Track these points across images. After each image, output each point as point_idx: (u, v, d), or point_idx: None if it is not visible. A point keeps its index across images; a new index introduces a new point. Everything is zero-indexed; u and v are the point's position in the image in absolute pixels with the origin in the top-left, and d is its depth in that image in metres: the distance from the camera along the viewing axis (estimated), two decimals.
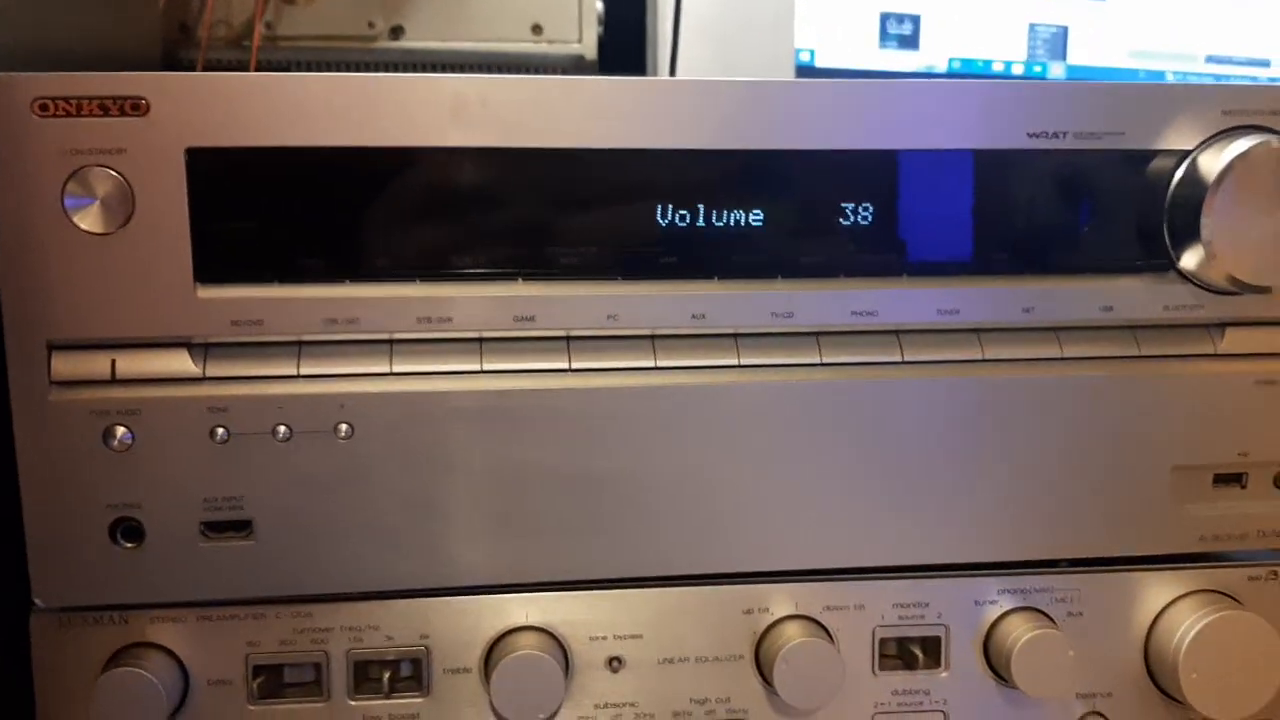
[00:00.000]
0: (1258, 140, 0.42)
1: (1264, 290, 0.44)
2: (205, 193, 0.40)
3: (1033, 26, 0.86)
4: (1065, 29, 0.87)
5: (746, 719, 0.46)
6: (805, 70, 0.82)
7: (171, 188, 0.39)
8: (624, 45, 0.77)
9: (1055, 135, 0.43)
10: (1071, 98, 0.43)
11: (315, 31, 0.67)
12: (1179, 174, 0.43)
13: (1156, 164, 0.44)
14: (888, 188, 0.43)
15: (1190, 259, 0.44)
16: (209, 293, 0.40)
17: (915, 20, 0.84)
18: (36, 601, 0.42)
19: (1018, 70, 0.86)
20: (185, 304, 0.40)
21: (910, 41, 0.84)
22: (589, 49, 0.70)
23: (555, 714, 0.45)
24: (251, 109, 0.39)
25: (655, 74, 0.78)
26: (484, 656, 0.45)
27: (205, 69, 0.64)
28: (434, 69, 0.68)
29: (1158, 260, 0.45)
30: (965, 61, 0.85)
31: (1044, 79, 0.86)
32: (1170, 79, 0.88)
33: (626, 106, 0.41)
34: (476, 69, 0.68)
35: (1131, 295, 0.45)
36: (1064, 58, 0.87)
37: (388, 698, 0.44)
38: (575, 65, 0.69)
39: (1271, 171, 0.42)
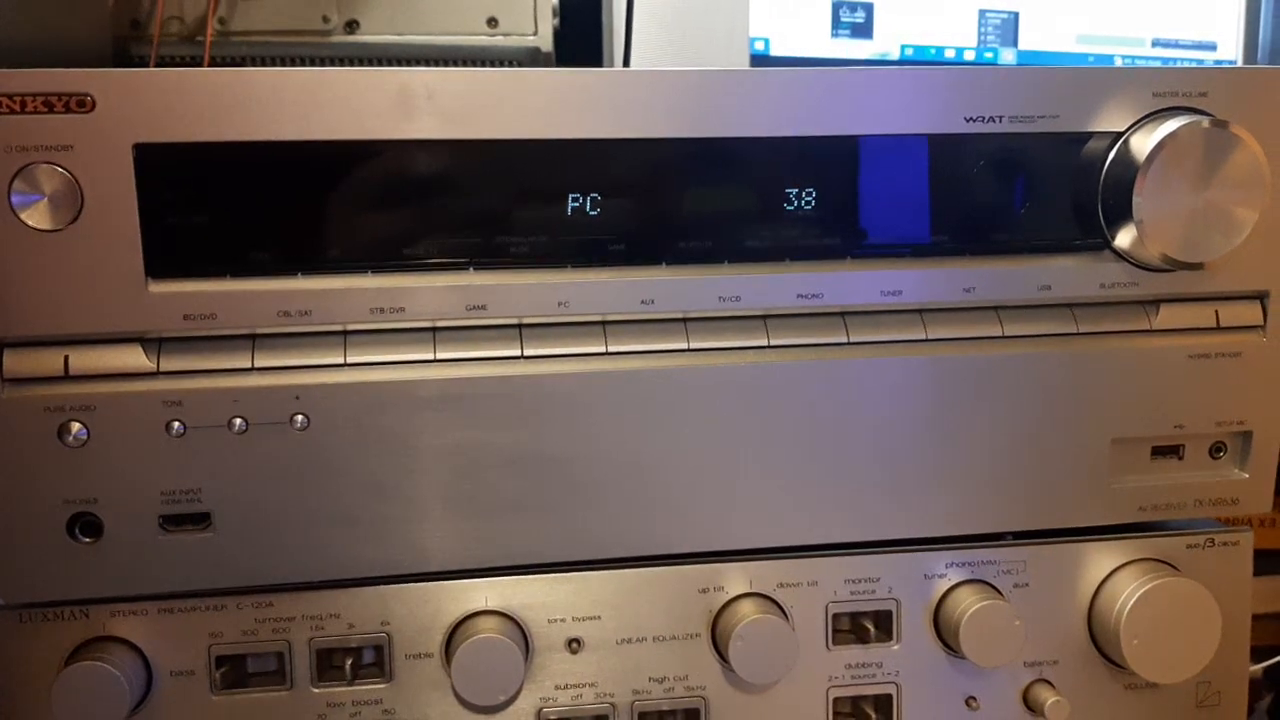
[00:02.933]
0: (1187, 121, 0.43)
1: (1195, 267, 0.46)
2: (154, 188, 0.40)
3: (983, 13, 0.87)
4: (1015, 15, 0.88)
5: (704, 696, 0.47)
6: (760, 59, 0.83)
7: (120, 183, 0.39)
8: (581, 37, 0.77)
9: (992, 119, 0.44)
10: (1007, 82, 0.44)
11: (269, 26, 0.67)
12: (1112, 155, 0.45)
13: (1090, 145, 0.45)
14: (830, 173, 0.44)
15: (1124, 238, 0.45)
16: (161, 287, 0.41)
17: (868, 8, 0.85)
18: None
19: (969, 56, 0.87)
20: (137, 299, 0.40)
21: (863, 30, 0.85)
22: (545, 41, 0.70)
23: (516, 696, 0.45)
24: (199, 104, 0.39)
25: (611, 65, 0.78)
26: (445, 641, 0.45)
27: (158, 65, 0.64)
28: (389, 63, 0.68)
29: (1093, 239, 0.46)
30: (918, 49, 0.86)
31: (995, 65, 0.87)
32: (1119, 63, 0.90)
33: (573, 98, 0.42)
34: (432, 62, 0.68)
35: (1069, 274, 0.46)
36: (1015, 43, 0.88)
37: (351, 685, 0.45)
38: (531, 58, 0.70)
39: (1200, 151, 0.43)
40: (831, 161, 0.44)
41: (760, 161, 0.44)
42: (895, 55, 0.86)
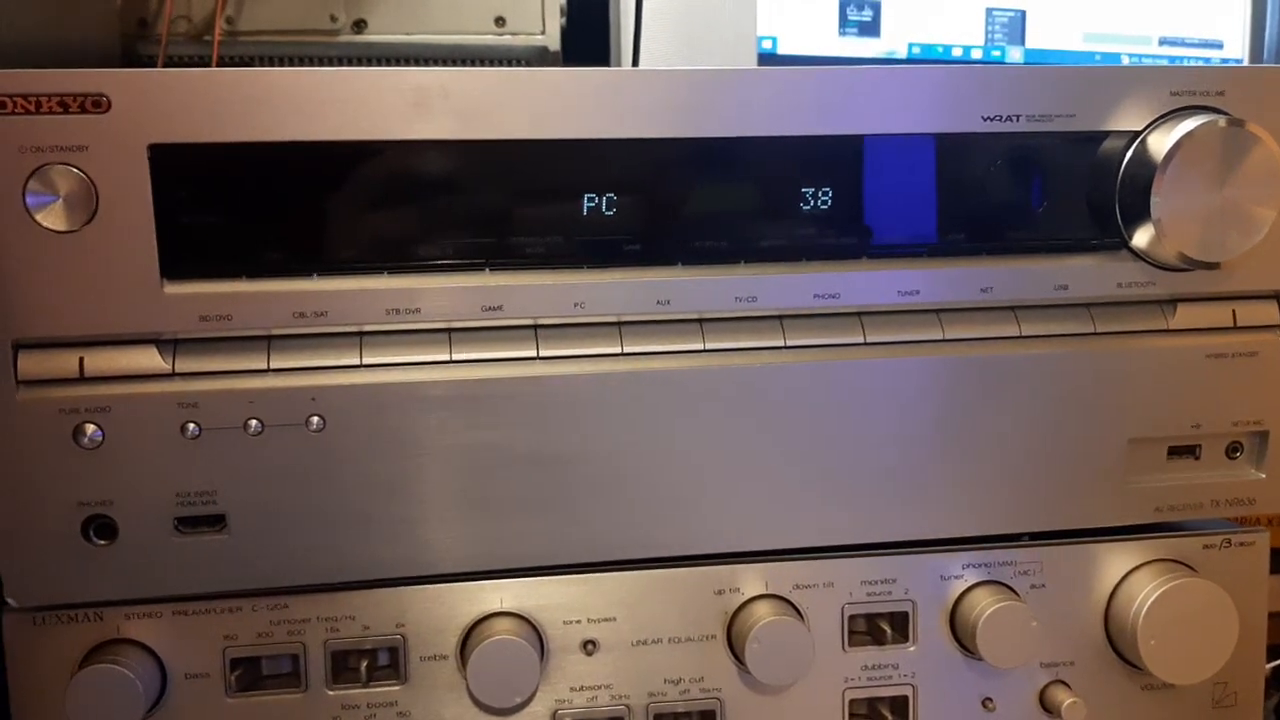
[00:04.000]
0: (1204, 120, 0.43)
1: (1213, 266, 0.45)
2: (169, 188, 0.40)
3: (990, 11, 0.87)
4: (1023, 13, 0.88)
5: (720, 698, 0.47)
6: (767, 58, 0.83)
7: (135, 184, 0.39)
8: (588, 36, 0.77)
9: (1009, 118, 0.44)
10: (1024, 81, 0.44)
11: (277, 26, 0.67)
12: (1129, 154, 0.44)
13: (1108, 145, 0.45)
14: (847, 172, 0.44)
15: (1142, 237, 0.45)
16: (176, 288, 0.40)
17: (875, 6, 0.85)
18: (9, 601, 0.42)
19: (977, 55, 0.87)
20: (152, 300, 0.40)
21: (871, 28, 0.85)
22: (552, 40, 0.70)
23: (531, 698, 0.45)
24: (213, 104, 0.39)
25: (619, 64, 0.78)
26: (460, 643, 0.45)
27: (166, 65, 0.64)
28: (397, 62, 0.68)
29: (1111, 239, 0.46)
30: (925, 47, 0.86)
31: (1002, 63, 0.87)
32: (1125, 61, 0.90)
33: (586, 97, 0.41)
34: (440, 62, 0.68)
35: (1086, 274, 0.46)
36: (1022, 42, 0.88)
37: (366, 687, 0.45)
38: (539, 57, 0.70)
39: (1218, 150, 0.43)
40: (848, 161, 0.44)
41: (776, 161, 0.44)
42: (902, 54, 0.86)
